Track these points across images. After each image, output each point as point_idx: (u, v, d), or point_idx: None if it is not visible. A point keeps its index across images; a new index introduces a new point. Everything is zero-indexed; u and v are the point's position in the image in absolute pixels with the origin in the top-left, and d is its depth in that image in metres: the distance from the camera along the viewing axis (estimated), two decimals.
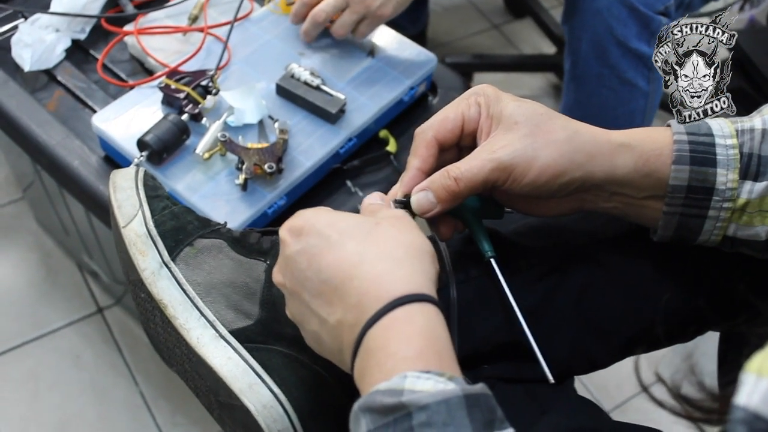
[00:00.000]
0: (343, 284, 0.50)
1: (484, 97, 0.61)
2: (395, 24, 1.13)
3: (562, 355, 0.66)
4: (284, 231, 0.55)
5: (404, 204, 0.60)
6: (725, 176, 0.57)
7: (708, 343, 0.70)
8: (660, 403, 0.44)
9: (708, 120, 0.59)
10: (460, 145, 0.63)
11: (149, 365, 1.41)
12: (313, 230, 0.53)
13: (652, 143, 0.58)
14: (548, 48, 2.06)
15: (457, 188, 0.58)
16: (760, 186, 0.57)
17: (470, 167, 0.58)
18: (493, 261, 0.62)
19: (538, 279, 0.66)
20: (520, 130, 0.58)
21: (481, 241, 0.63)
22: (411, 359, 0.47)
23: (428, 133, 0.61)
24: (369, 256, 0.50)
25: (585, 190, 0.60)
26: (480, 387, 0.45)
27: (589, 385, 1.46)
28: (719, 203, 0.58)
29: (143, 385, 1.39)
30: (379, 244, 0.51)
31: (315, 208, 0.56)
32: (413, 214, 0.61)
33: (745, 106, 0.66)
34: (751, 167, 0.57)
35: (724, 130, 0.58)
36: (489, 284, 0.64)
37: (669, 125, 0.60)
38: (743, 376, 0.35)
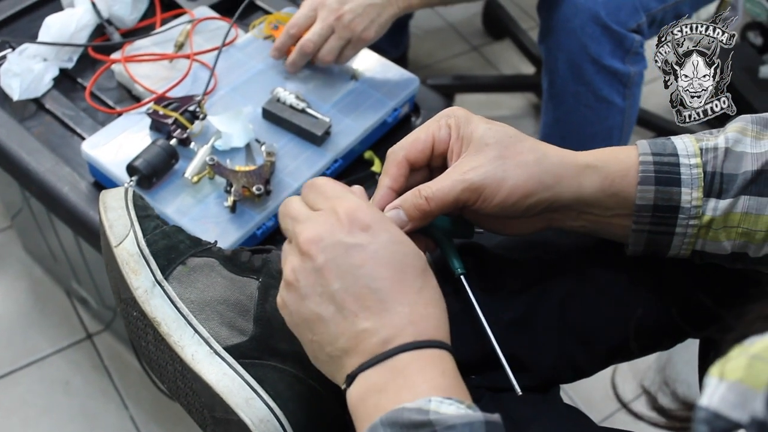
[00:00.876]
0: (393, 303, 0.52)
1: (455, 118, 0.63)
2: (377, 48, 1.16)
3: (547, 364, 0.68)
4: (343, 212, 0.54)
5: None
6: (690, 195, 0.59)
7: (682, 353, 0.72)
8: (639, 417, 0.46)
9: (674, 138, 0.61)
10: (431, 165, 0.65)
11: (139, 390, 1.41)
12: (380, 234, 0.54)
13: (617, 164, 0.61)
14: (527, 68, 2.10)
15: (428, 207, 0.60)
16: (724, 203, 0.59)
17: (441, 187, 0.60)
18: (462, 278, 0.64)
19: (522, 290, 0.68)
20: (490, 152, 0.60)
21: (451, 258, 0.65)
22: (442, 389, 0.50)
23: (399, 153, 0.63)
24: (425, 294, 0.54)
25: (553, 210, 0.62)
26: (497, 416, 0.48)
27: (575, 397, 1.48)
28: (685, 221, 0.60)
29: (133, 409, 1.40)
30: (432, 290, 0.55)
31: (375, 214, 0.55)
32: None
33: (721, 120, 0.68)
34: (714, 185, 0.59)
35: (688, 149, 0.60)
36: (476, 294, 0.66)
37: (636, 145, 0.62)
38: (706, 380, 0.38)
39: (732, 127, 0.61)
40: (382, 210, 0.62)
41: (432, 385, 0.50)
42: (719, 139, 0.60)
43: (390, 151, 0.64)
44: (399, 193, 0.63)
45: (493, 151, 0.60)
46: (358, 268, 0.53)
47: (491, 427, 0.47)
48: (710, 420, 0.36)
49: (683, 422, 0.44)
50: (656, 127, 1.90)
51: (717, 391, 0.37)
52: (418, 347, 0.51)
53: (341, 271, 0.53)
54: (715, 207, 0.59)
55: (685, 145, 0.61)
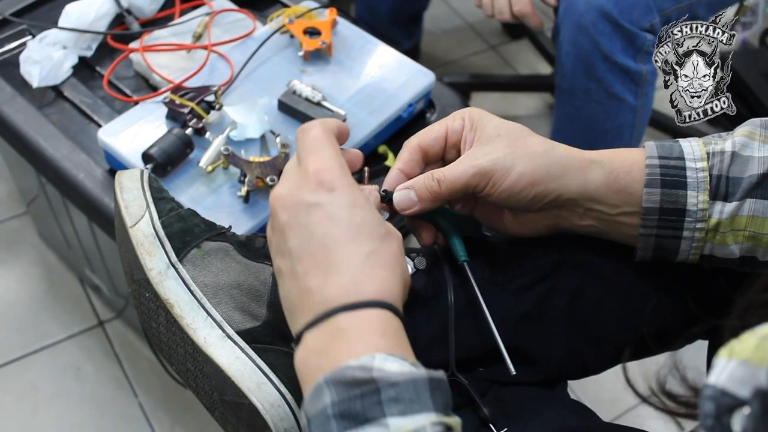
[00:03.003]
0: (340, 262, 0.53)
1: (469, 113, 0.65)
2: (390, 39, 1.17)
3: (555, 359, 0.68)
4: (312, 171, 0.55)
5: (386, 197, 0.64)
6: (695, 197, 0.60)
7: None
8: (645, 399, 0.46)
9: (682, 141, 0.62)
10: (445, 158, 0.67)
11: (149, 378, 1.42)
12: (342, 197, 0.55)
13: (621, 161, 0.62)
14: (544, 68, 2.10)
15: (439, 189, 0.62)
16: (730, 206, 0.59)
17: (453, 171, 0.62)
18: (466, 265, 0.65)
19: (531, 285, 0.68)
20: (501, 141, 0.62)
21: (455, 246, 0.66)
22: (382, 350, 0.50)
23: (413, 140, 0.66)
24: (376, 257, 0.53)
25: (560, 206, 0.63)
26: (441, 373, 0.49)
27: (584, 398, 1.48)
28: (692, 224, 0.60)
29: (143, 397, 1.41)
30: (386, 254, 0.54)
31: (342, 178, 0.56)
32: (394, 211, 0.64)
33: (736, 126, 0.67)
34: (720, 188, 0.60)
35: (695, 153, 0.61)
36: (486, 288, 0.66)
37: (644, 147, 0.63)
38: (715, 361, 0.38)
39: (740, 132, 0.61)
40: (392, 190, 0.64)
41: (371, 348, 0.50)
42: (726, 143, 0.61)
43: (405, 141, 0.66)
44: (409, 177, 0.64)
45: (504, 141, 0.62)
46: (315, 225, 0.54)
47: (435, 383, 0.48)
48: (716, 397, 0.37)
49: (690, 408, 0.44)
50: (672, 130, 1.89)
51: (725, 370, 0.37)
52: (357, 307, 0.51)
53: (300, 228, 0.54)
54: (722, 210, 0.60)
55: (692, 148, 0.61)
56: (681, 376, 0.45)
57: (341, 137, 0.62)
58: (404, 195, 0.63)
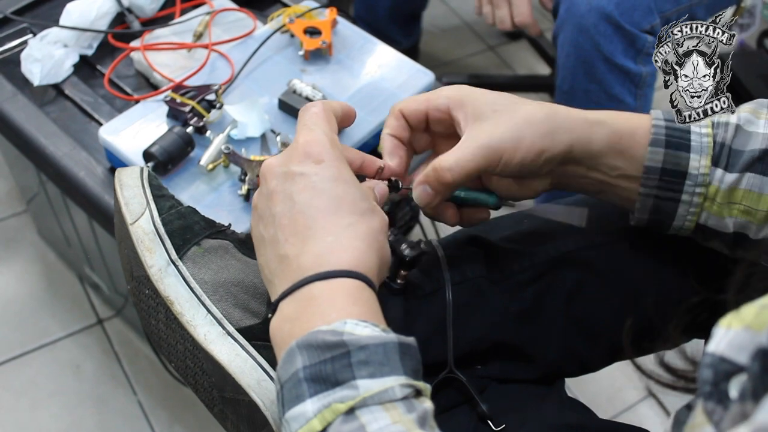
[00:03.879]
0: (319, 231, 0.54)
1: (457, 92, 0.64)
2: (389, 38, 1.17)
3: (552, 357, 0.69)
4: (302, 143, 0.57)
5: (394, 186, 0.65)
6: (698, 161, 0.61)
7: None
8: (648, 374, 0.47)
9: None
10: (431, 130, 0.67)
11: (148, 376, 1.43)
12: (327, 169, 0.56)
13: (625, 122, 0.62)
14: (542, 69, 2.10)
15: (452, 179, 0.61)
16: (730, 177, 0.60)
17: (461, 157, 0.61)
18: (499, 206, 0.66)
19: (529, 283, 0.68)
20: (501, 116, 0.62)
21: (480, 196, 0.66)
22: (354, 317, 0.50)
23: (395, 107, 0.66)
24: (354, 230, 0.54)
25: (564, 164, 0.63)
26: (412, 339, 0.50)
27: (581, 398, 1.48)
28: (692, 187, 0.61)
29: (142, 395, 1.41)
30: (365, 228, 0.55)
31: (330, 151, 0.58)
32: (407, 199, 0.65)
33: None
34: (722, 156, 0.61)
35: (701, 121, 0.62)
36: (484, 285, 0.67)
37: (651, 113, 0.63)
38: (715, 331, 0.39)
39: (745, 108, 0.62)
40: (401, 171, 0.65)
41: (343, 315, 0.51)
42: (732, 117, 0.62)
43: (391, 107, 0.67)
44: (400, 139, 0.65)
45: (503, 115, 0.62)
46: (298, 193, 0.55)
47: (405, 348, 0.49)
48: (715, 364, 0.37)
49: (688, 381, 0.44)
50: None
51: (724, 338, 0.38)
52: (330, 276, 0.52)
53: (284, 196, 0.56)
54: (722, 179, 0.60)
55: None
56: (680, 349, 0.46)
57: (346, 118, 0.63)
58: (422, 191, 0.63)
